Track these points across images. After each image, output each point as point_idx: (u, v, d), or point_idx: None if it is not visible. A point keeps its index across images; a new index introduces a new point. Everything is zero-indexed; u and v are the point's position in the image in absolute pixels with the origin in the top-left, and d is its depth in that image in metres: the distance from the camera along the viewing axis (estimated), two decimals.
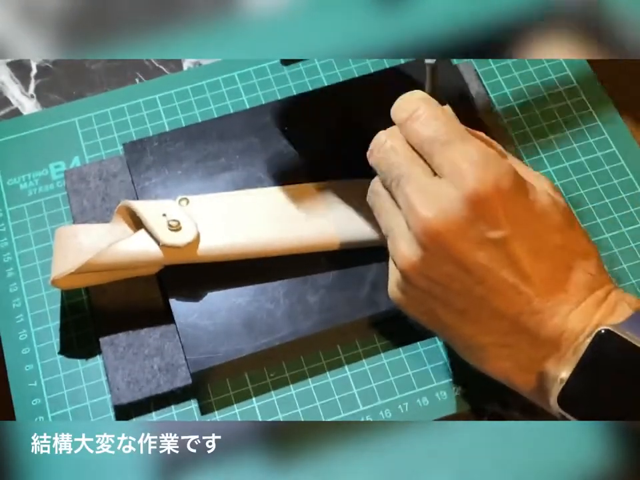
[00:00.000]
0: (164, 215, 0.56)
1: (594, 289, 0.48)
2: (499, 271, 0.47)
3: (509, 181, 0.48)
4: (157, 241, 0.55)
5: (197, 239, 0.56)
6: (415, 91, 0.52)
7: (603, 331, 0.46)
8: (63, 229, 0.58)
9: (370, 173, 0.60)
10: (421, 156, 0.50)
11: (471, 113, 0.63)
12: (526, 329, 0.48)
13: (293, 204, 0.58)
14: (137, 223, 0.57)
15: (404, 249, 0.49)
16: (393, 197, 0.51)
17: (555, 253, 0.48)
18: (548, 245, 0.48)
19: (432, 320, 0.51)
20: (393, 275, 0.51)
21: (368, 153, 0.53)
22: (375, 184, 0.53)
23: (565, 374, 0.47)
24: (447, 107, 0.52)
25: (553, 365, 0.48)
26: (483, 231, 0.47)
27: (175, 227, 0.56)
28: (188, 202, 0.58)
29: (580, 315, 0.47)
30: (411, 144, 0.50)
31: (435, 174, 0.49)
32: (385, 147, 0.51)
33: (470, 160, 0.48)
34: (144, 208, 0.57)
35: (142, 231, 0.56)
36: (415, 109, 0.50)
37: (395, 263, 0.50)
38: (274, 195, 0.59)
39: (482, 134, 0.52)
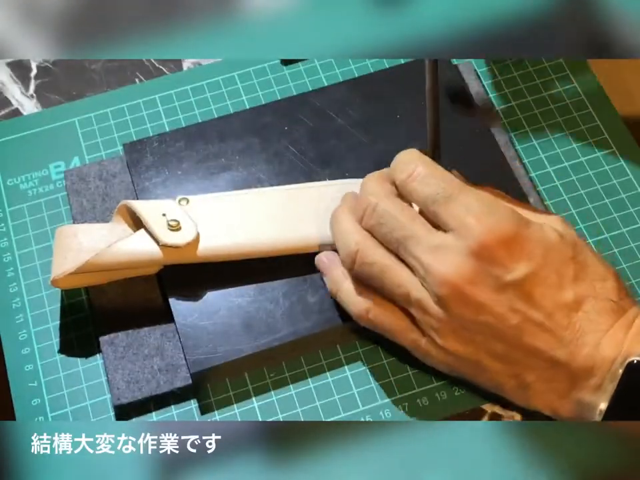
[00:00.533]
0: (164, 214, 0.56)
1: (619, 315, 0.49)
2: (524, 312, 0.49)
3: (513, 224, 0.49)
4: (157, 241, 0.55)
5: (196, 239, 0.56)
6: (410, 149, 0.54)
7: (635, 362, 0.47)
8: (63, 229, 0.58)
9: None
10: (420, 211, 0.52)
11: (471, 113, 0.63)
12: (561, 362, 0.49)
13: (293, 204, 0.58)
14: (136, 222, 0.57)
15: (435, 311, 0.50)
16: (399, 259, 0.52)
17: (572, 285, 0.49)
18: (564, 277, 0.49)
19: (479, 371, 0.52)
20: (421, 342, 0.52)
21: (357, 218, 0.53)
22: (369, 255, 0.52)
23: (603, 405, 0.48)
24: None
25: (592, 394, 0.49)
26: (499, 276, 0.49)
27: (175, 227, 0.56)
28: (188, 202, 0.58)
29: (610, 343, 0.48)
30: (412, 201, 0.52)
31: (438, 227, 0.51)
32: (378, 211, 0.52)
33: (472, 212, 0.50)
34: (144, 208, 0.57)
35: (142, 231, 0.56)
36: (413, 169, 0.52)
37: (431, 326, 0.51)
38: (274, 195, 0.59)
39: (485, 187, 0.54)
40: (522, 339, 0.49)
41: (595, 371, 0.48)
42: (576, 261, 0.50)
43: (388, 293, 0.52)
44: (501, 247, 0.49)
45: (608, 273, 0.51)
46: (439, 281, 0.49)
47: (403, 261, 0.52)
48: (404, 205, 0.52)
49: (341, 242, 0.53)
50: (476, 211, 0.50)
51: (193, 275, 0.57)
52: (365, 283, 0.53)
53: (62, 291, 0.58)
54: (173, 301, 0.56)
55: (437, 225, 0.51)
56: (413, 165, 0.52)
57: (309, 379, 0.56)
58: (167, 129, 0.64)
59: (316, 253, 0.57)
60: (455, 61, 0.65)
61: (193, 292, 0.57)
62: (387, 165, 0.60)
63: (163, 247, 0.55)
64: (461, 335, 0.50)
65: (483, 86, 0.65)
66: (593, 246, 0.59)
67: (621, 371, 0.47)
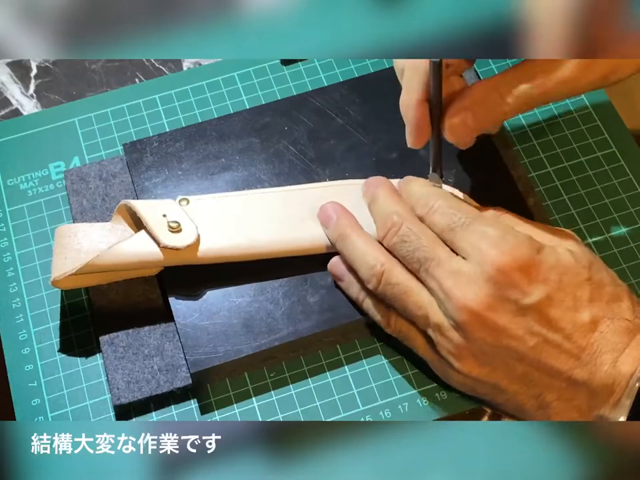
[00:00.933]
0: (164, 215, 0.56)
1: (634, 334, 0.50)
2: (542, 334, 0.50)
3: (528, 249, 0.50)
4: (157, 243, 0.55)
5: (197, 241, 0.56)
6: (423, 181, 0.56)
7: None
8: (63, 228, 0.58)
9: (369, 175, 0.60)
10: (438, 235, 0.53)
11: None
12: (580, 381, 0.50)
13: (293, 204, 0.58)
14: (137, 222, 0.57)
15: (453, 336, 0.51)
16: (418, 279, 0.53)
17: (588, 306, 0.50)
18: (579, 300, 0.50)
19: (497, 392, 0.52)
20: (443, 364, 0.53)
21: (380, 235, 0.54)
22: (394, 275, 0.53)
23: (622, 420, 0.49)
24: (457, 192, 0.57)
25: (611, 410, 0.49)
26: (516, 300, 0.50)
27: (176, 229, 0.56)
28: (188, 202, 0.58)
29: (627, 360, 0.49)
30: (433, 230, 0.53)
31: (456, 254, 0.52)
32: (403, 230, 0.53)
33: (487, 238, 0.51)
34: (144, 208, 0.57)
35: (142, 232, 0.56)
36: (433, 203, 0.53)
37: (448, 351, 0.52)
38: (274, 196, 0.59)
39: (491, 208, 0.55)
40: (541, 360, 0.50)
41: (614, 388, 0.49)
42: (591, 282, 0.51)
43: (408, 313, 0.53)
44: (517, 272, 0.50)
45: (622, 292, 0.51)
46: (458, 307, 0.50)
47: (422, 282, 0.52)
48: (426, 227, 0.53)
49: (362, 261, 0.54)
50: (491, 237, 0.51)
51: (193, 275, 0.57)
52: (386, 302, 0.54)
53: (62, 291, 0.58)
54: (172, 301, 0.56)
55: (455, 252, 0.52)
56: (432, 200, 0.54)
57: (309, 379, 0.56)
58: (167, 129, 0.64)
59: (316, 254, 0.57)
60: None
61: (193, 292, 0.57)
62: (387, 165, 0.60)
63: (164, 248, 0.55)
64: (480, 358, 0.51)
65: None
66: (593, 246, 0.60)
67: (638, 385, 0.48)
